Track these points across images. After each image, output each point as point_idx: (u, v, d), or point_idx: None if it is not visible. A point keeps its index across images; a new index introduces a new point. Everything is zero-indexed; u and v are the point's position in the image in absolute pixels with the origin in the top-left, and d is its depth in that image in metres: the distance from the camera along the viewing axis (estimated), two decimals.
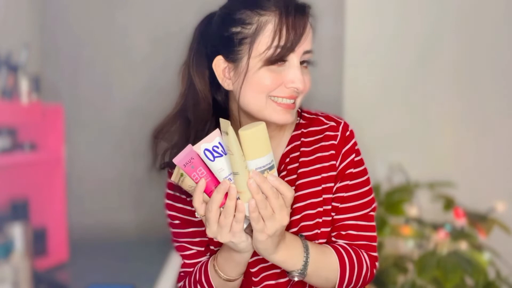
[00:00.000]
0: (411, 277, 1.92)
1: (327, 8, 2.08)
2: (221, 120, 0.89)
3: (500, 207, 2.06)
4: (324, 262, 1.00)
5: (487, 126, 2.20)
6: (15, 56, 1.71)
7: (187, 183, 0.93)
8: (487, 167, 2.20)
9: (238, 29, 0.97)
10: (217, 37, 1.00)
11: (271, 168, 0.90)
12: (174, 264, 1.73)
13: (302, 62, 1.00)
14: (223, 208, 0.90)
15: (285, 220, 0.91)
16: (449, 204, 2.02)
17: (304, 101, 1.07)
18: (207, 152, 0.90)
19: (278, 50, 0.95)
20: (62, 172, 1.85)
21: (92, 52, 2.13)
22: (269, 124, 0.99)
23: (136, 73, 2.13)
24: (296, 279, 0.99)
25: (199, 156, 0.91)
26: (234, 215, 0.90)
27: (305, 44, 0.98)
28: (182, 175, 0.92)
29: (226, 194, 0.90)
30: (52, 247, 1.82)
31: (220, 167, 0.90)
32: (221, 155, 0.90)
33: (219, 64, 1.00)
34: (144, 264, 1.78)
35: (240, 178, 0.88)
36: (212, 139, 0.90)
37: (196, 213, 0.93)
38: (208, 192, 0.92)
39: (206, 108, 1.03)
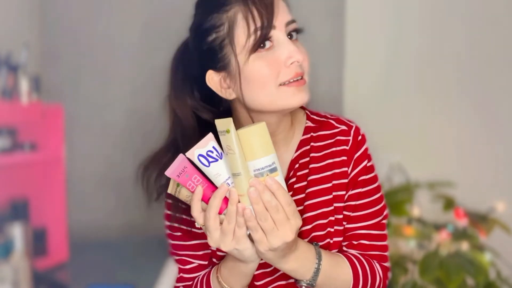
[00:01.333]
0: (411, 277, 1.92)
1: (327, 8, 2.08)
2: (219, 120, 0.85)
3: (500, 207, 2.06)
4: (336, 273, 0.97)
5: (487, 126, 2.20)
6: (15, 56, 1.71)
7: (184, 194, 0.90)
8: (487, 167, 2.19)
9: (213, 36, 0.93)
10: (199, 55, 0.97)
11: (272, 170, 0.85)
12: (174, 264, 1.73)
13: (290, 36, 0.95)
14: (225, 214, 0.86)
15: (288, 237, 0.86)
16: (449, 204, 2.02)
17: None
18: (201, 158, 0.86)
19: (258, 33, 0.91)
20: (62, 172, 1.85)
21: (92, 52, 2.13)
22: (278, 124, 0.98)
23: (136, 73, 2.13)
24: None
25: (193, 164, 0.87)
26: (236, 220, 0.86)
27: (282, 15, 0.93)
28: (178, 185, 0.90)
29: (226, 200, 0.86)
30: (52, 247, 1.82)
31: (216, 172, 0.86)
32: (216, 160, 0.86)
33: (212, 78, 0.96)
34: (144, 264, 1.78)
35: (242, 179, 0.84)
36: (206, 144, 0.86)
37: (196, 223, 0.90)
38: (206, 199, 0.88)
39: (192, 133, 0.99)
